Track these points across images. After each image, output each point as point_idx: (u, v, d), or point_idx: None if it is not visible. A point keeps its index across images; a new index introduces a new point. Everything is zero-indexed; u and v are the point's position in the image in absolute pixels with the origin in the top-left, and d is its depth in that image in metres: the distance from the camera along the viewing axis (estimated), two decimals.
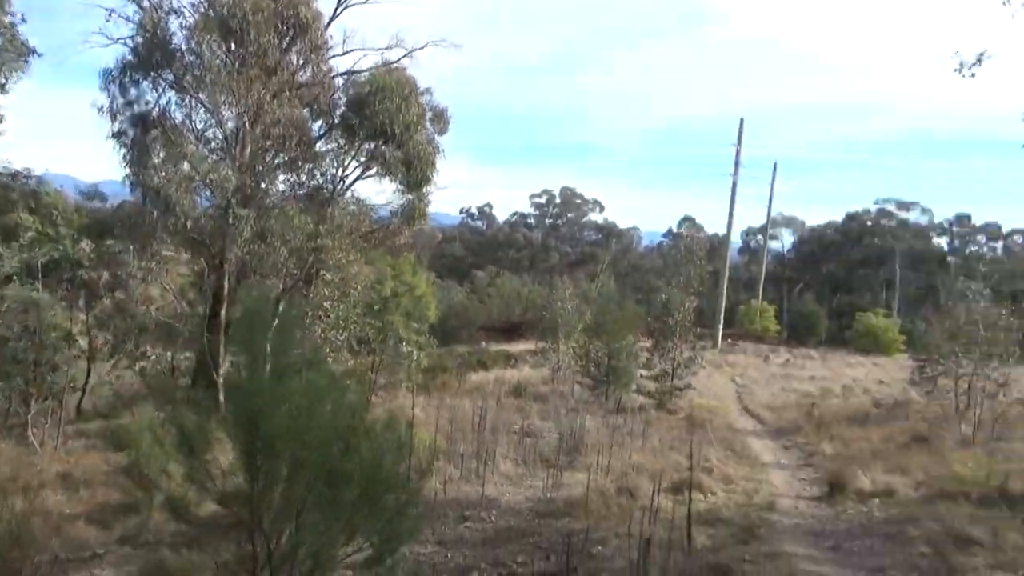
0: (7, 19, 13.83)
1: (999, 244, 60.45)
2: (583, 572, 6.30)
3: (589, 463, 10.64)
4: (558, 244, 72.03)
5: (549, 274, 53.75)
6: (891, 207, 61.58)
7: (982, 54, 9.77)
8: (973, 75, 9.96)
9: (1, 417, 13.65)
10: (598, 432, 13.29)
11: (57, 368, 14.71)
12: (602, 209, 73.20)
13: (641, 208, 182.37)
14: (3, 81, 14.65)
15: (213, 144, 18.01)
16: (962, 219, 60.55)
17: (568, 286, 28.04)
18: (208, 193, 16.66)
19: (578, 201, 73.66)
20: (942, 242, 61.74)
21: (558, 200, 73.87)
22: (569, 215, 74.52)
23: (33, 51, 15.23)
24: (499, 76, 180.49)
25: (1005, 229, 59.69)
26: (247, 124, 17.10)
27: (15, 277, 13.26)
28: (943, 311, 18.52)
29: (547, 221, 74.69)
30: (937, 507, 8.74)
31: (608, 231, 72.59)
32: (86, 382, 16.37)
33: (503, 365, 26.85)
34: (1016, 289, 51.07)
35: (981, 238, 61.07)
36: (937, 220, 61.32)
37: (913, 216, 61.19)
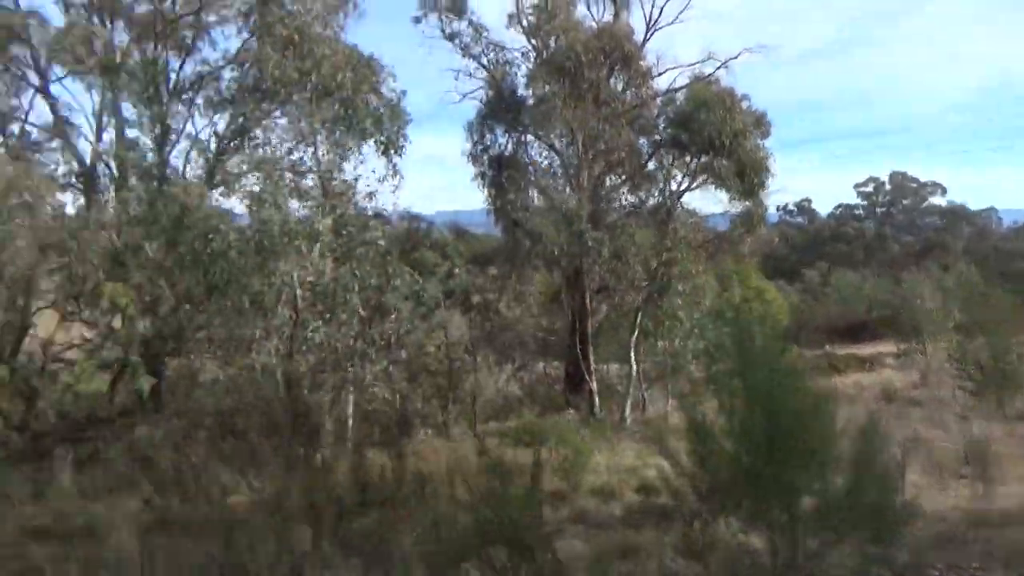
0: (393, 95, 16.50)
1: None
2: None
3: (1013, 474, 9.79)
4: (895, 234, 65.42)
5: (889, 266, 49.19)
6: None
7: None
8: None
9: (419, 417, 16.48)
10: (1005, 442, 12.05)
11: (461, 377, 17.44)
12: (944, 192, 65.17)
13: (984, 185, 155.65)
14: (402, 144, 17.37)
15: (557, 175, 20.00)
16: None
17: (924, 281, 25.60)
18: (558, 220, 18.18)
19: (913, 185, 66.45)
20: None
21: (888, 187, 67.31)
22: (904, 202, 67.43)
23: (409, 118, 17.64)
24: (787, 66, 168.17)
25: None
26: (585, 153, 18.68)
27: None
28: None
29: (878, 211, 68.32)
30: None
31: (955, 214, 64.36)
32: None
33: (856, 369, 25.31)
34: None
35: None
36: None
37: None
